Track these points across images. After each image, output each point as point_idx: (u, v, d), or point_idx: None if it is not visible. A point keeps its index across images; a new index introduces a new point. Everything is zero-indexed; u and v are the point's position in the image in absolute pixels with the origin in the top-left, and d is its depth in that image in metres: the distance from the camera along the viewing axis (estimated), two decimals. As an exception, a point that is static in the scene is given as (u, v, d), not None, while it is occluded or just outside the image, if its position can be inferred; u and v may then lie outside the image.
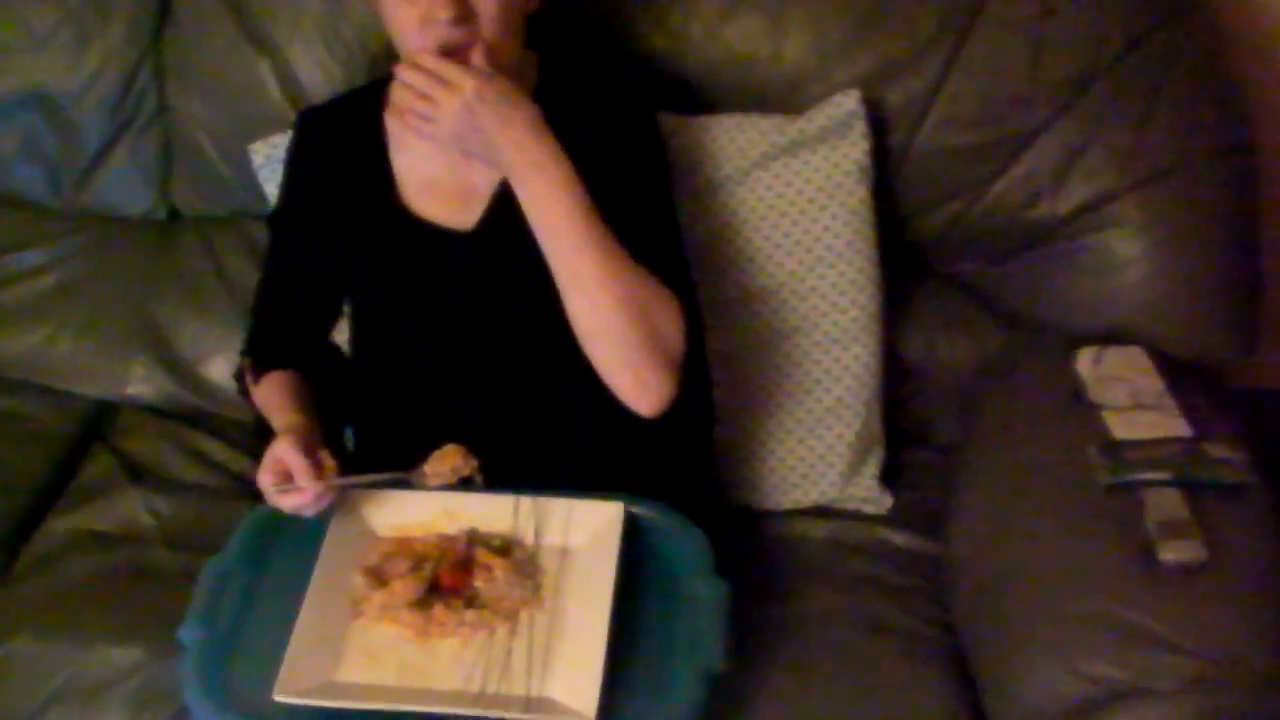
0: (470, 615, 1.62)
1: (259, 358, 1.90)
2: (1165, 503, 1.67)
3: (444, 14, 1.64)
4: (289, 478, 1.64)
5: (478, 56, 1.67)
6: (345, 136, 1.91)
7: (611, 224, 1.69)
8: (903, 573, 1.95)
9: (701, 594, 1.63)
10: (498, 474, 1.72)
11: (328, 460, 1.67)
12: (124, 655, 1.84)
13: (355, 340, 1.96)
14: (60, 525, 2.06)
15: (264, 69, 2.16)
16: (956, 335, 2.13)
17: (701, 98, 2.07)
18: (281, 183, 1.97)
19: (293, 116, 2.01)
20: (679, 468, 1.88)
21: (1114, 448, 1.76)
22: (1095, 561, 1.68)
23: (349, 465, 1.72)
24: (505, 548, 1.70)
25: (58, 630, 1.87)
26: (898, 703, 1.74)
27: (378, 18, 1.75)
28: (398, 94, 1.69)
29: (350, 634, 1.62)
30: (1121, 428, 1.78)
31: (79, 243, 2.36)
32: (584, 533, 1.71)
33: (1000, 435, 1.95)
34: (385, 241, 1.86)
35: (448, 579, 1.65)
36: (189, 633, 1.61)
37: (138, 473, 2.15)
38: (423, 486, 1.71)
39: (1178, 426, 1.78)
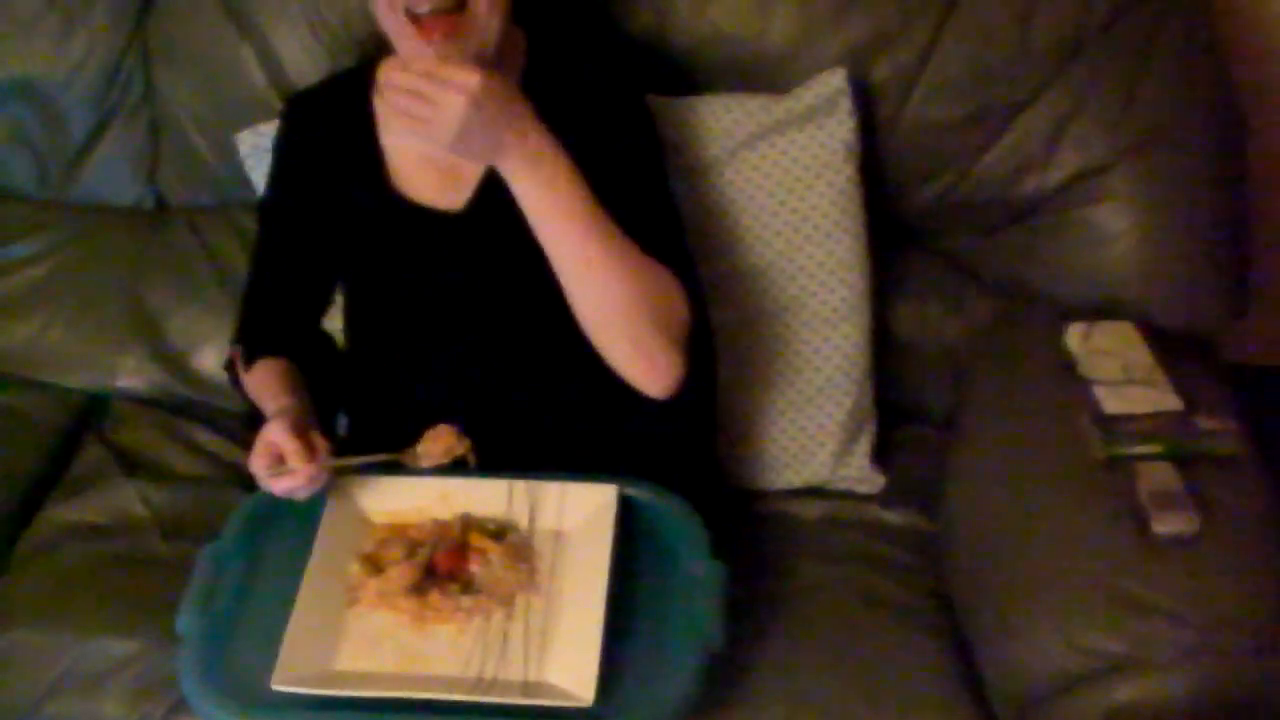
0: (466, 600, 1.63)
1: (250, 346, 1.90)
2: (1158, 475, 1.67)
3: None
4: (281, 461, 1.64)
5: (470, 52, 1.66)
6: (333, 120, 1.90)
7: (608, 206, 1.69)
8: (897, 547, 1.95)
9: (698, 574, 1.64)
10: (491, 456, 1.73)
11: (319, 442, 1.67)
12: (121, 646, 1.83)
13: (348, 324, 1.96)
14: (54, 517, 2.06)
15: (248, 54, 2.16)
16: (947, 310, 2.13)
17: (688, 76, 2.07)
18: (270, 169, 1.96)
19: (278, 103, 2.01)
20: (675, 447, 1.87)
21: (1106, 421, 1.76)
22: (1090, 534, 1.68)
23: (343, 450, 1.72)
24: (500, 532, 1.70)
25: (55, 622, 1.87)
26: (894, 675, 1.74)
27: (363, 2, 1.74)
28: (392, 97, 1.64)
29: (347, 621, 1.62)
30: (1112, 402, 1.78)
31: (67, 234, 2.35)
32: (578, 515, 1.71)
33: (993, 409, 1.95)
34: (376, 224, 1.86)
35: (443, 564, 1.65)
36: (185, 622, 1.61)
37: (131, 464, 2.15)
38: (415, 467, 1.71)
39: (1169, 400, 1.78)
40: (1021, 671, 1.65)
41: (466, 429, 1.72)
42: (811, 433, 2.02)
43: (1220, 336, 2.05)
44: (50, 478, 2.15)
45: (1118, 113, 1.99)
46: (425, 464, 1.71)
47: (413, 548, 1.67)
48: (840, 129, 1.99)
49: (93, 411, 2.27)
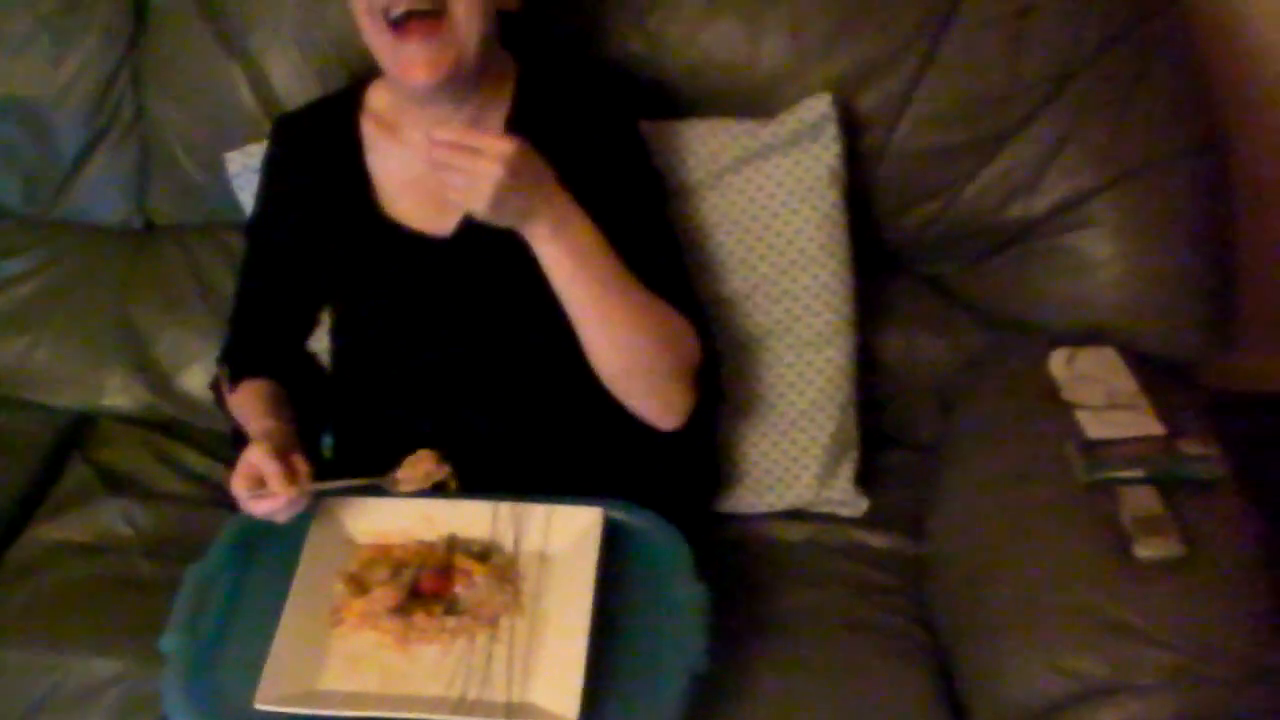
0: (451, 621, 1.62)
1: (235, 366, 1.90)
2: (1141, 500, 1.68)
3: None
4: (262, 483, 1.64)
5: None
6: (321, 142, 1.91)
7: (613, 240, 1.69)
8: (881, 572, 1.95)
9: (682, 597, 1.63)
10: (476, 479, 1.73)
11: (301, 465, 1.67)
12: (105, 665, 1.83)
13: (334, 345, 1.95)
14: (40, 536, 2.06)
15: (238, 75, 2.16)
16: (934, 336, 2.13)
17: (678, 102, 2.07)
18: (258, 190, 1.97)
19: (268, 125, 2.01)
20: (662, 471, 1.87)
21: (1089, 446, 1.76)
22: (1074, 558, 1.68)
23: (327, 471, 1.72)
24: (485, 553, 1.70)
25: (39, 641, 1.87)
26: (877, 700, 1.74)
27: (351, 21, 1.74)
28: (433, 159, 1.61)
29: (331, 641, 1.62)
30: (1095, 427, 1.79)
31: (56, 252, 2.35)
32: (563, 538, 1.71)
33: (978, 434, 1.95)
34: (362, 247, 1.86)
35: (428, 585, 1.65)
36: (170, 642, 1.61)
37: (116, 483, 2.14)
38: (395, 492, 1.71)
39: (1152, 425, 1.79)
40: (1005, 696, 1.64)
41: (451, 452, 1.72)
42: (795, 455, 2.02)
43: (1204, 365, 2.06)
44: (35, 496, 2.14)
45: (1105, 142, 1.99)
46: (405, 489, 1.71)
47: (397, 568, 1.67)
48: (826, 154, 1.99)
49: (79, 430, 2.27)
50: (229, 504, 1.69)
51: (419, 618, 1.62)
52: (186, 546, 1.90)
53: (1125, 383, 1.86)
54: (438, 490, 1.72)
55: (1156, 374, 1.91)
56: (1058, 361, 1.90)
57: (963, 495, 1.89)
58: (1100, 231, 2.00)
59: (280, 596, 1.62)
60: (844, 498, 2.04)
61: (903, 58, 2.02)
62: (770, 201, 2.00)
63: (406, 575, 1.65)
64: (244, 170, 2.12)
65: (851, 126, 2.03)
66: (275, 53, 2.14)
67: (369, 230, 1.84)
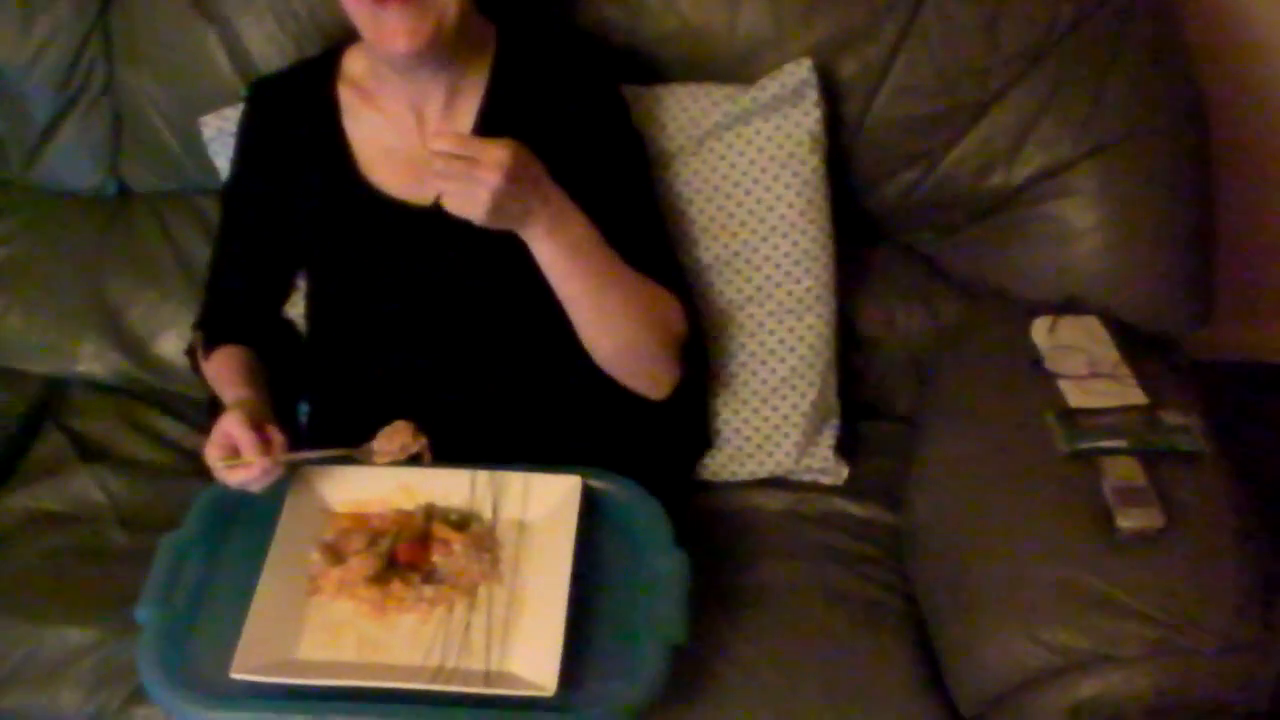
0: (428, 590, 1.62)
1: (211, 333, 1.89)
2: (1122, 470, 1.68)
3: None
4: (236, 452, 1.63)
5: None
6: (297, 107, 1.89)
7: (596, 214, 1.69)
8: (861, 542, 1.94)
9: (661, 566, 1.63)
10: (455, 450, 1.72)
11: (275, 435, 1.66)
12: (79, 635, 1.82)
13: (311, 313, 1.95)
14: (12, 505, 2.04)
15: (213, 40, 2.13)
16: (913, 305, 2.12)
17: (656, 68, 2.06)
18: (234, 154, 1.96)
19: (243, 89, 1.99)
20: (644, 437, 1.88)
21: (1070, 416, 1.76)
22: (1055, 529, 1.68)
23: (303, 440, 1.71)
24: (463, 522, 1.69)
25: (12, 611, 1.85)
26: (856, 670, 1.75)
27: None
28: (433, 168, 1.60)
29: (308, 610, 1.61)
30: (1077, 396, 1.79)
31: (28, 219, 2.32)
32: (541, 506, 1.71)
33: (958, 404, 1.95)
34: (342, 213, 1.85)
35: (405, 554, 1.65)
36: (145, 611, 1.60)
37: (89, 451, 2.13)
38: (370, 463, 1.70)
39: (1133, 395, 1.79)
40: (985, 667, 1.65)
41: (428, 420, 1.71)
42: (776, 423, 2.02)
43: (1184, 335, 2.06)
44: (7, 465, 2.12)
45: (1084, 112, 1.99)
46: (380, 461, 1.71)
47: (374, 537, 1.66)
48: (806, 119, 1.99)
49: (51, 398, 2.25)
50: (205, 473, 1.68)
51: (396, 586, 1.62)
52: (161, 515, 1.90)
53: (1108, 351, 1.86)
54: (412, 462, 1.72)
55: (1138, 343, 1.91)
56: (1040, 330, 1.90)
57: (943, 466, 1.89)
58: (1080, 201, 2.00)
59: (256, 566, 1.62)
60: (825, 465, 2.04)
61: (882, 26, 2.02)
62: (751, 167, 1.99)
63: (384, 544, 1.65)
64: (219, 134, 2.10)
65: (831, 94, 2.03)
66: (250, 18, 2.12)
67: (348, 197, 1.83)
